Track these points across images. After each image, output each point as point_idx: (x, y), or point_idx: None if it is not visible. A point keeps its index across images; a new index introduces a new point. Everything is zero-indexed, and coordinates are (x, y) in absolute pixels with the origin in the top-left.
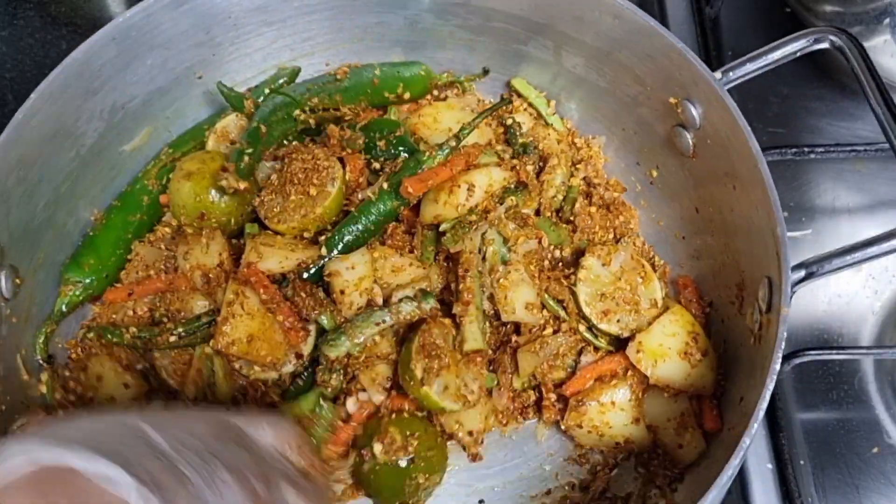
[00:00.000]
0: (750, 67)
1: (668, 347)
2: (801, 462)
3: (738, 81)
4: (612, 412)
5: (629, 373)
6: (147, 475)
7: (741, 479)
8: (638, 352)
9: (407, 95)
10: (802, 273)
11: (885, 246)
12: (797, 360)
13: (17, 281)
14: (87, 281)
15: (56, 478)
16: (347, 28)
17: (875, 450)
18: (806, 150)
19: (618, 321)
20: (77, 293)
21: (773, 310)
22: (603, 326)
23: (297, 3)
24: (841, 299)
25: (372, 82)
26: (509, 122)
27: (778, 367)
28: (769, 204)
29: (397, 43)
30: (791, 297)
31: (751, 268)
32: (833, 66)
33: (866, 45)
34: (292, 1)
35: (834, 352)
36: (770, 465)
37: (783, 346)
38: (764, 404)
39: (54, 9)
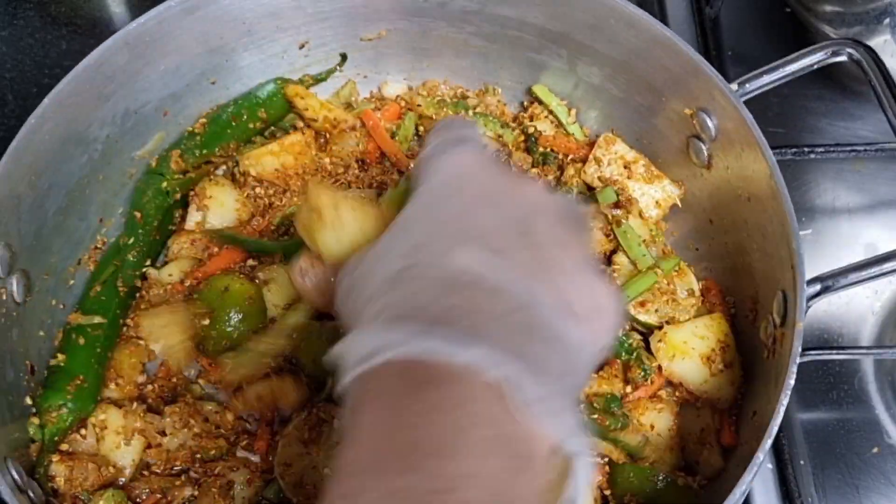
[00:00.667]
0: (766, 80)
1: (693, 347)
2: (801, 462)
3: (755, 93)
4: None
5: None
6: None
7: None
8: (660, 341)
9: (267, 116)
10: (818, 287)
11: None
12: (797, 360)
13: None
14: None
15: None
16: (361, 35)
17: (875, 450)
18: (806, 150)
19: (656, 311)
20: (64, 417)
21: (788, 324)
22: (641, 317)
23: (310, 9)
24: (841, 299)
25: (230, 122)
26: (531, 130)
27: (793, 382)
28: (784, 216)
29: (411, 50)
30: (806, 312)
31: (765, 280)
32: (833, 66)
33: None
34: (306, 7)
35: (834, 352)
36: (770, 465)
37: (798, 361)
38: (778, 419)
39: (54, 9)
